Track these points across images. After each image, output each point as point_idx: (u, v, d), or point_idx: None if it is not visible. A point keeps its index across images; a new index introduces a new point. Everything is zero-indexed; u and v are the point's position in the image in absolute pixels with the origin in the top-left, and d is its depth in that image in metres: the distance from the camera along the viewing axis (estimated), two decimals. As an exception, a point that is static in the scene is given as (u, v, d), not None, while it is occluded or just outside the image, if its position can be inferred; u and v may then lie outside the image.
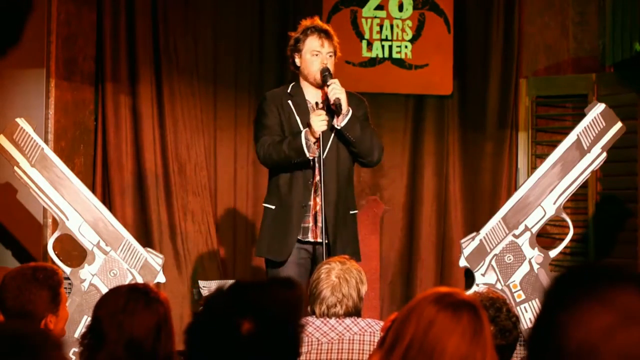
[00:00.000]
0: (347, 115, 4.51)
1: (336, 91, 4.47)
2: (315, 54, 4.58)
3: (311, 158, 4.47)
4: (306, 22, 4.68)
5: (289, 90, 4.67)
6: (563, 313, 1.27)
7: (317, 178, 4.54)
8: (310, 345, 3.30)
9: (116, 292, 2.59)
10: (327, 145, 4.56)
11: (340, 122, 4.51)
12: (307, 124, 4.50)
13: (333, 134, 4.58)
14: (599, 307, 1.25)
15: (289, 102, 4.61)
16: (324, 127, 4.44)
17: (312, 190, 4.55)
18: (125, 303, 2.51)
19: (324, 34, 4.60)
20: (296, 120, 4.59)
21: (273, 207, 4.64)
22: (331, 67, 4.59)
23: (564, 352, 1.25)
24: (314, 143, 4.46)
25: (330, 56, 4.60)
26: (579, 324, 1.25)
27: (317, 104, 4.57)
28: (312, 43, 4.59)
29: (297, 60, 4.64)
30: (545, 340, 1.28)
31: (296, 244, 4.58)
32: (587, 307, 1.25)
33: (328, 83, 4.49)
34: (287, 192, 4.58)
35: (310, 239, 4.59)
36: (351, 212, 4.71)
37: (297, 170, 4.55)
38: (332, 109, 4.55)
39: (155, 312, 2.52)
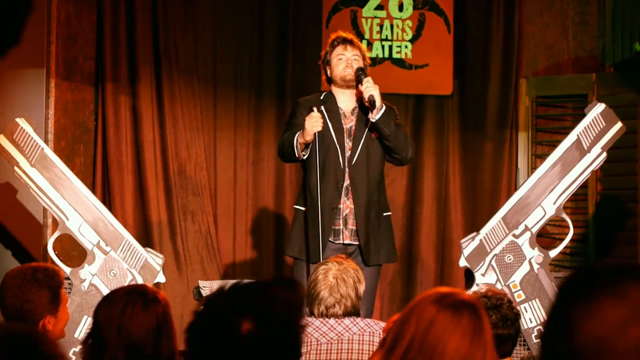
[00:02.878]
0: (381, 109, 4.65)
1: (370, 88, 4.63)
2: (340, 57, 4.78)
3: (302, 159, 4.67)
4: (332, 36, 4.91)
5: (321, 97, 4.83)
6: (577, 307, 1.27)
7: (348, 182, 4.71)
8: (309, 346, 3.30)
9: (113, 296, 2.59)
10: (357, 149, 4.71)
11: (375, 116, 4.64)
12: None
13: (363, 140, 4.72)
14: (613, 301, 1.24)
15: (322, 108, 4.75)
16: (318, 128, 4.58)
17: (343, 194, 4.69)
18: (123, 306, 2.51)
19: (347, 41, 4.82)
20: (327, 126, 4.71)
21: (303, 208, 4.77)
22: None
23: (578, 345, 1.24)
24: (308, 146, 4.65)
25: (356, 59, 4.79)
26: (592, 318, 1.24)
27: (314, 107, 4.72)
28: (337, 50, 4.81)
29: (328, 71, 4.84)
30: (559, 334, 1.28)
31: (328, 244, 4.68)
32: (601, 301, 1.25)
33: (363, 82, 4.65)
34: (317, 194, 4.68)
35: (341, 241, 4.71)
36: (384, 214, 4.83)
37: (328, 173, 4.68)
38: (366, 107, 4.68)
39: (154, 312, 2.52)
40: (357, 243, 4.71)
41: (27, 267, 3.15)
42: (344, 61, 4.76)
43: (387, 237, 4.82)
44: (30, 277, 3.06)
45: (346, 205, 4.71)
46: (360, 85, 4.68)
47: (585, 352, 1.24)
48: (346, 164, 4.71)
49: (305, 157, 4.67)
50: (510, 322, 3.21)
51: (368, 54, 6.62)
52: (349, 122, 4.78)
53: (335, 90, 4.83)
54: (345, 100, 4.80)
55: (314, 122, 4.57)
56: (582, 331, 1.25)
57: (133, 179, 6.43)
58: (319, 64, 4.92)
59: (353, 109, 4.80)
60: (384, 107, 4.67)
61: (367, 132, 4.73)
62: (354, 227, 4.71)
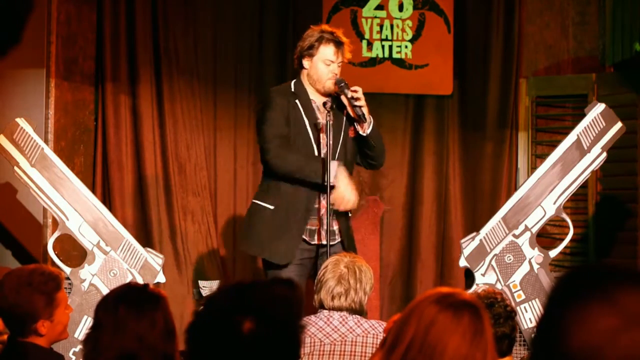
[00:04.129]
0: (370, 123, 4.57)
1: (358, 102, 4.50)
2: (328, 63, 4.56)
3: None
4: (321, 27, 4.66)
5: (292, 90, 4.63)
6: (567, 313, 1.25)
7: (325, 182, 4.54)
8: (312, 346, 3.29)
9: (114, 294, 2.59)
10: (338, 147, 4.58)
11: (366, 130, 4.57)
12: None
13: (342, 137, 4.60)
14: (604, 308, 1.23)
15: (296, 101, 4.58)
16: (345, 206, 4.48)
17: (319, 193, 4.53)
18: (123, 305, 2.51)
19: (340, 44, 4.59)
20: (303, 120, 4.56)
21: (272, 207, 4.57)
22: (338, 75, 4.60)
23: (567, 352, 1.23)
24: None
25: (339, 66, 4.60)
26: (583, 325, 1.23)
27: (324, 103, 4.57)
28: (327, 52, 4.57)
29: (306, 63, 4.59)
30: (549, 340, 1.27)
31: (300, 245, 4.57)
32: (592, 308, 1.23)
33: (348, 96, 4.51)
34: (292, 193, 4.55)
35: (316, 242, 4.59)
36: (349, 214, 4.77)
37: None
38: (342, 108, 4.58)
39: (157, 309, 2.53)
40: (333, 243, 4.54)
41: (26, 270, 3.14)
42: (330, 69, 4.55)
43: (352, 234, 4.75)
44: (25, 280, 3.06)
45: (322, 204, 4.54)
46: (343, 97, 4.54)
47: (574, 358, 1.23)
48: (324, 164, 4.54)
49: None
50: (503, 319, 3.22)
51: (368, 54, 6.68)
52: (323, 117, 4.58)
53: (307, 84, 4.62)
54: (317, 95, 4.63)
55: (347, 199, 4.47)
56: (572, 339, 1.23)
57: (133, 179, 6.43)
58: (297, 50, 4.64)
59: (324, 103, 4.59)
60: (372, 121, 4.57)
61: (344, 129, 4.60)
62: (331, 228, 4.55)
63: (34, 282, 3.05)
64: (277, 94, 4.61)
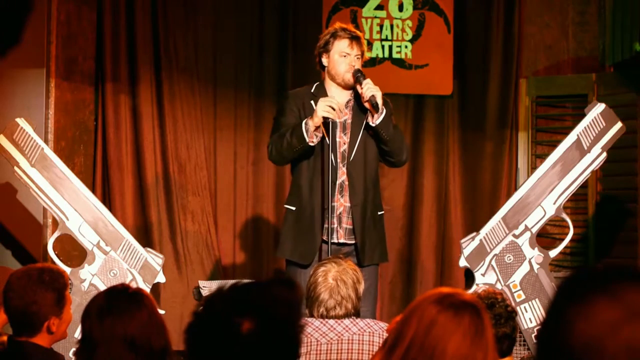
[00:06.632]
0: (382, 113, 4.55)
1: (371, 89, 4.51)
2: (343, 55, 4.64)
3: (312, 144, 4.48)
4: (336, 25, 4.76)
5: (312, 90, 4.70)
6: (572, 307, 1.29)
7: (343, 178, 4.57)
8: (309, 346, 3.29)
9: (98, 298, 2.60)
10: (355, 145, 4.60)
11: (375, 120, 4.55)
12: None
13: (360, 136, 4.61)
14: (607, 302, 1.26)
15: (312, 102, 4.62)
16: (326, 113, 4.45)
17: (337, 191, 4.57)
18: (109, 305, 2.52)
19: (354, 37, 4.67)
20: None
21: (294, 208, 4.65)
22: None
23: (571, 345, 1.26)
24: (315, 130, 4.48)
25: (358, 58, 4.66)
26: (586, 318, 1.26)
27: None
28: (341, 45, 4.65)
29: (325, 60, 4.69)
30: (553, 334, 1.30)
31: (321, 244, 4.56)
32: (596, 302, 1.27)
33: (362, 84, 4.53)
34: (309, 193, 4.59)
35: (336, 240, 4.59)
36: (379, 213, 4.73)
37: (320, 170, 4.56)
38: (365, 108, 4.59)
39: (141, 306, 2.53)
40: (352, 242, 4.61)
41: (33, 268, 3.15)
42: (347, 62, 4.62)
43: (380, 236, 4.72)
44: (36, 278, 3.06)
45: (340, 203, 4.59)
46: (359, 86, 4.56)
47: (578, 351, 1.25)
48: (339, 160, 4.58)
49: (315, 144, 4.48)
50: (504, 320, 3.23)
51: (368, 54, 6.66)
52: (343, 116, 4.63)
53: (329, 83, 4.70)
54: (339, 93, 4.67)
55: (326, 104, 4.44)
56: (575, 331, 1.26)
57: (133, 179, 6.43)
58: (315, 51, 4.73)
59: (347, 102, 4.66)
60: (385, 111, 4.56)
61: (364, 128, 4.62)
62: (349, 226, 4.60)
63: (45, 280, 3.06)
64: (293, 97, 4.68)
